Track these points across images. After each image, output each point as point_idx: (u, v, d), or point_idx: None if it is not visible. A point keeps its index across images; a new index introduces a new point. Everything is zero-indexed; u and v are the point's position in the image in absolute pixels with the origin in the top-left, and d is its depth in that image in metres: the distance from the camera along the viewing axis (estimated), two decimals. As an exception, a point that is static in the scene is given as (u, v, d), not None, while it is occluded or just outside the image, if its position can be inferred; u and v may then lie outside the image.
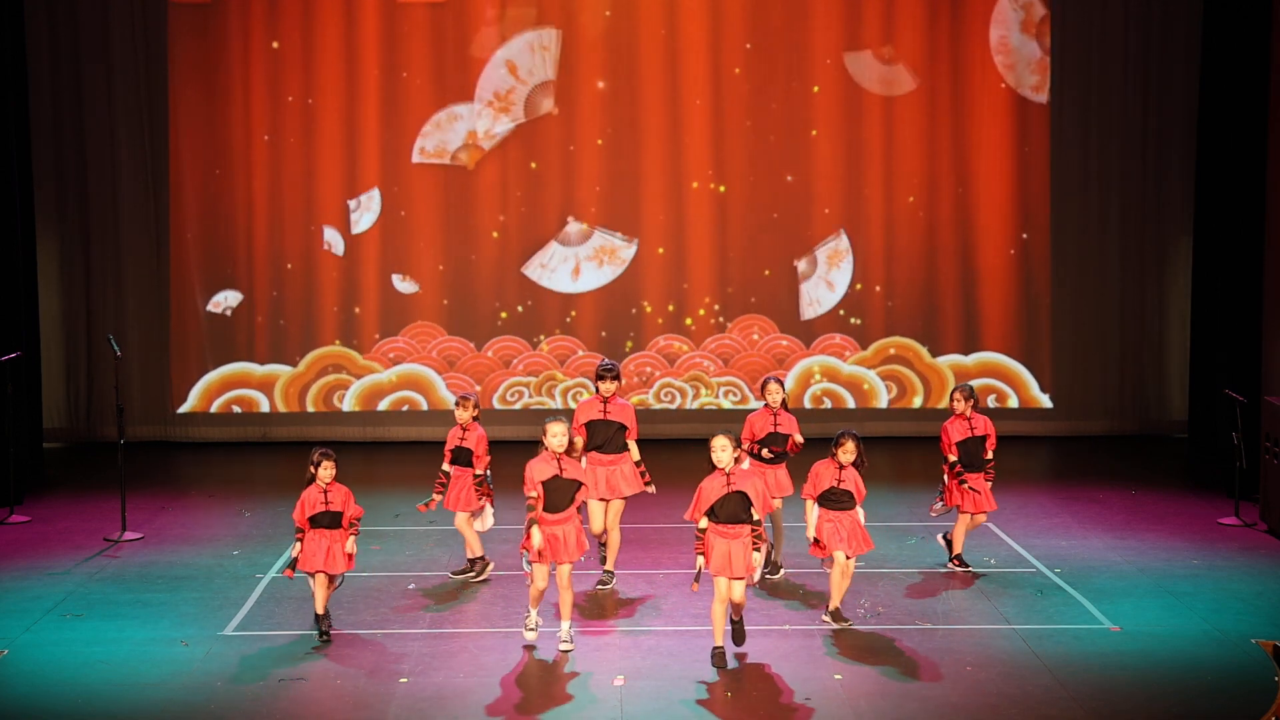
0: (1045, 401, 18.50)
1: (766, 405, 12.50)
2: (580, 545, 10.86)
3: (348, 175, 18.27)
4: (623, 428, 12.21)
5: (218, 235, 18.29)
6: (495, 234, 18.34)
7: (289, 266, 18.32)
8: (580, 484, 10.89)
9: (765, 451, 12.37)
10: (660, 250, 18.40)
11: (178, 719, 9.58)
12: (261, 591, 12.25)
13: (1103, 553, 13.34)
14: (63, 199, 18.13)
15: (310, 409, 18.42)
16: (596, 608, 11.83)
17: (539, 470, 10.74)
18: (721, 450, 10.35)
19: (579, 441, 11.60)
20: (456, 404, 12.53)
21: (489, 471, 12.37)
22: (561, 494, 10.74)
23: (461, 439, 12.42)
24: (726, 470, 10.37)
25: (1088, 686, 10.03)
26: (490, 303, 18.44)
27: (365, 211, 18.27)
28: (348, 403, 18.43)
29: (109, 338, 15.09)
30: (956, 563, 12.79)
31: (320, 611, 11.10)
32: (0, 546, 13.61)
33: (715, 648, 10.47)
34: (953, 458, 12.62)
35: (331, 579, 11.14)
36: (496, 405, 18.39)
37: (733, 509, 10.34)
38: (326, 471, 11.10)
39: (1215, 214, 16.85)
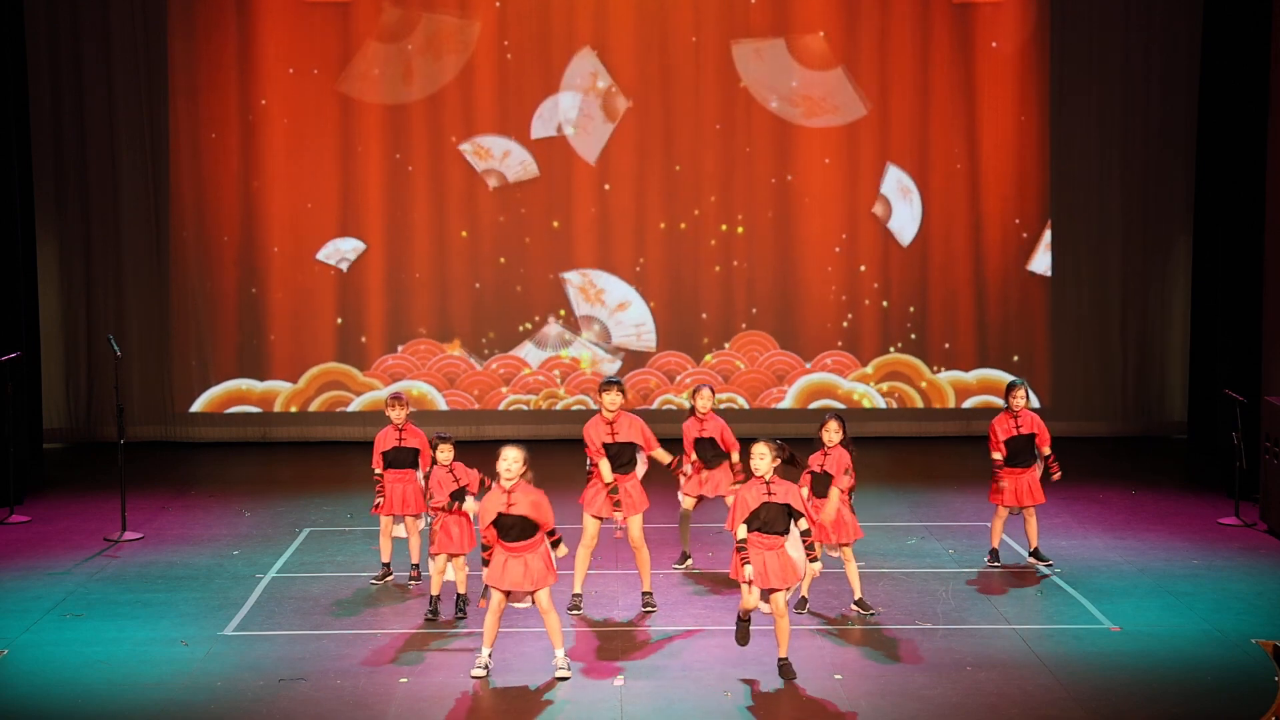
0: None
1: (694, 412, 12.36)
2: (547, 571, 10.14)
3: (350, 177, 18.25)
4: (636, 448, 11.63)
5: (218, 235, 18.27)
6: (502, 259, 18.36)
7: (289, 276, 18.30)
8: (529, 520, 10.00)
9: (696, 456, 12.32)
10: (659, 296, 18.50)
11: (177, 719, 9.57)
12: (261, 591, 12.24)
13: (1103, 553, 13.34)
14: (63, 199, 18.11)
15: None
16: (597, 609, 11.83)
17: (485, 512, 10.08)
18: (760, 459, 9.98)
19: (602, 465, 11.50)
20: (388, 403, 12.23)
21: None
22: (511, 530, 10.06)
23: (400, 440, 12.16)
24: (766, 478, 10.05)
25: (1088, 686, 10.02)
26: (493, 317, 18.47)
27: (348, 257, 18.29)
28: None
29: (109, 338, 15.08)
30: (990, 558, 12.85)
31: (462, 591, 11.48)
32: (0, 546, 13.61)
33: (740, 618, 10.18)
34: (997, 455, 12.60)
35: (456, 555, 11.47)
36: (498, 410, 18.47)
37: (772, 518, 9.99)
38: (445, 454, 11.38)
39: (1215, 214, 16.85)
